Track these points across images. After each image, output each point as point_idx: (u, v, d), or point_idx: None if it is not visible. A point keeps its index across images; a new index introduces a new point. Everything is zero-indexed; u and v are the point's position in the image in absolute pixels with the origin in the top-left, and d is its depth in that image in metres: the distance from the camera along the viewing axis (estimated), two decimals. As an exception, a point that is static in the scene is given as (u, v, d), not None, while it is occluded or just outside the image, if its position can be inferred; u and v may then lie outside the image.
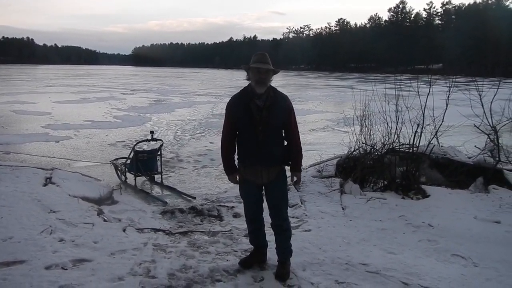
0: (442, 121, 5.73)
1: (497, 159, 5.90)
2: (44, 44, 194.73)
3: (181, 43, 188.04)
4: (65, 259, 3.28)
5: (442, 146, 6.54)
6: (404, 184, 5.76)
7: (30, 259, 3.22)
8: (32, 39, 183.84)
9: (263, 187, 3.31)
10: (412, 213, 4.82)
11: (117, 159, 7.49)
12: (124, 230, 4.20)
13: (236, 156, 3.36)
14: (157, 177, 6.89)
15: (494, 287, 3.12)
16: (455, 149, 6.52)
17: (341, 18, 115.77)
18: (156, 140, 6.82)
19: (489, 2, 79.75)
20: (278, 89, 3.27)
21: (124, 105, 20.22)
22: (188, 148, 10.28)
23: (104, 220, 4.49)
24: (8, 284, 2.85)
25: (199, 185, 6.94)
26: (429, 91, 5.62)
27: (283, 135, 3.27)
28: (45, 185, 5.28)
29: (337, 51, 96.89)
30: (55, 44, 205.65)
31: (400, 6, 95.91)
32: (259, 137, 3.14)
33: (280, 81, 52.42)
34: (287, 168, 3.37)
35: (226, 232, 4.39)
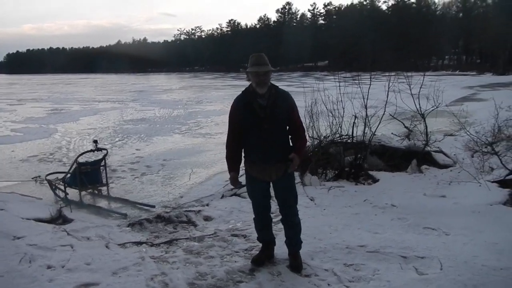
0: (384, 111, 6.34)
1: (425, 142, 6.72)
2: None
3: (63, 47, 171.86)
4: (68, 287, 2.97)
5: (375, 134, 7.22)
6: (353, 172, 6.25)
7: (29, 292, 2.86)
8: None
9: (271, 184, 3.38)
10: (373, 197, 5.28)
11: (49, 174, 6.82)
12: (107, 247, 3.91)
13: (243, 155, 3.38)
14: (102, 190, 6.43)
15: (472, 249, 3.63)
16: (387, 137, 7.24)
17: (231, 19, 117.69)
18: (101, 149, 6.36)
19: (364, 2, 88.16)
20: (279, 87, 3.35)
21: (17, 116, 18.19)
22: (115, 157, 9.68)
23: (78, 240, 4.11)
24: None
25: (149, 193, 6.66)
26: (370, 84, 6.19)
27: (288, 131, 3.37)
28: (-15, 210, 4.63)
29: (230, 52, 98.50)
30: None
31: (287, 7, 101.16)
32: (265, 135, 3.20)
33: (178, 84, 51.72)
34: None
35: (212, 236, 4.33)
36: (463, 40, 72.72)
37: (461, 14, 77.62)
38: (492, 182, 5.40)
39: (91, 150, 6.35)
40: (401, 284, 3.09)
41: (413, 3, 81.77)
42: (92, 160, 6.45)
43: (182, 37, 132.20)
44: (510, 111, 9.68)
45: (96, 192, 6.40)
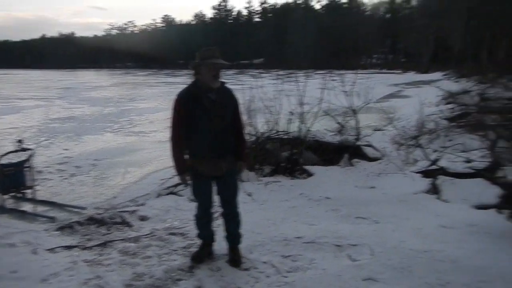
0: (320, 108, 6.56)
1: (356, 137, 7.05)
2: None
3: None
4: (-10, 297, 2.74)
5: (310, 130, 7.44)
6: (290, 167, 6.40)
7: None
8: None
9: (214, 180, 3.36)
10: (308, 190, 5.46)
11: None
12: (35, 254, 3.66)
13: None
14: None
15: (400, 235, 3.89)
16: (321, 132, 7.49)
17: (166, 15, 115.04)
18: (25, 150, 5.92)
19: (298, 1, 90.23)
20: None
21: None
22: (41, 158, 9.03)
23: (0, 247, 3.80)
24: None
25: (79, 195, 6.31)
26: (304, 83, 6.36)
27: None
28: None
29: (164, 48, 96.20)
30: None
31: (222, 4, 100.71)
32: (215, 129, 3.18)
33: (109, 80, 49.47)
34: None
35: (148, 235, 4.22)
36: (390, 40, 77.17)
37: (388, 15, 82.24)
38: (416, 172, 5.80)
39: (15, 151, 5.89)
40: (336, 271, 3.22)
41: (344, 3, 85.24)
42: (15, 161, 5.98)
43: (114, 32, 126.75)
44: (431, 106, 10.47)
45: (20, 195, 5.95)
